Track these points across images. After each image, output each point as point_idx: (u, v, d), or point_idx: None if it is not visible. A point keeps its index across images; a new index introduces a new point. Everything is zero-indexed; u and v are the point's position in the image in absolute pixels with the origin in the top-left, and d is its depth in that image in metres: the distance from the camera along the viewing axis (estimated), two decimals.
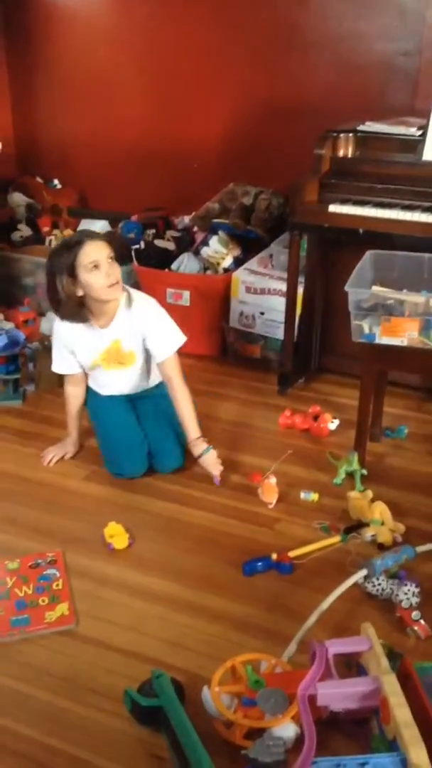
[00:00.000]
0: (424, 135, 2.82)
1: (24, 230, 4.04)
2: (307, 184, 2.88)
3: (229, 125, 3.84)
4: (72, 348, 2.56)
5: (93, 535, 2.29)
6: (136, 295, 2.55)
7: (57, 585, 2.10)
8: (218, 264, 3.55)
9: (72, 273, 2.33)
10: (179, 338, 2.54)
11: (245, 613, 2.01)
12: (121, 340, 2.52)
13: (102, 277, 2.33)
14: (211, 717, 1.65)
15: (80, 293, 2.38)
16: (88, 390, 2.71)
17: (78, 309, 2.43)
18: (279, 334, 3.25)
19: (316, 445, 2.83)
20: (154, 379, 2.70)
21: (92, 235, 2.38)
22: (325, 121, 3.07)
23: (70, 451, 2.72)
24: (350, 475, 2.55)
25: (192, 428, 2.54)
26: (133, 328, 2.50)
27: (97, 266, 2.32)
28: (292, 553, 2.19)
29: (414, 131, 2.90)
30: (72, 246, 2.33)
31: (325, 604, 1.97)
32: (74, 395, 2.70)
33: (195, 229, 3.79)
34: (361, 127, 2.99)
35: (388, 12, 3.36)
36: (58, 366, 2.65)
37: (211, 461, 2.54)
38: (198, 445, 2.53)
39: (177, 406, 2.54)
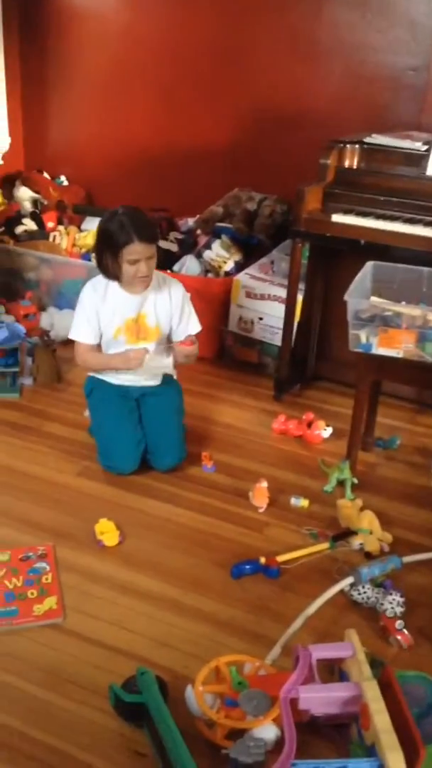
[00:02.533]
0: (429, 150, 2.85)
1: (28, 225, 4.05)
2: (311, 193, 2.91)
3: (236, 130, 3.87)
4: (98, 309, 2.57)
5: (84, 531, 2.31)
6: (169, 278, 2.69)
7: (46, 579, 2.11)
8: (220, 267, 3.57)
9: (115, 255, 2.46)
10: (199, 324, 2.71)
11: (231, 615, 2.03)
12: (147, 315, 2.61)
13: (135, 269, 2.47)
14: (194, 716, 1.67)
15: (116, 269, 2.50)
16: (95, 381, 2.72)
17: (115, 271, 2.52)
18: (276, 340, 3.27)
19: (308, 451, 2.85)
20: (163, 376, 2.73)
21: (144, 234, 2.44)
22: (331, 131, 3.11)
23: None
24: (341, 483, 2.57)
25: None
26: (163, 306, 2.61)
27: (135, 262, 2.45)
28: (280, 558, 2.21)
29: (419, 146, 2.92)
30: (124, 237, 2.41)
31: (311, 609, 1.99)
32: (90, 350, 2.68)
33: (198, 231, 3.81)
34: (366, 139, 3.01)
35: (399, 26, 3.39)
36: (78, 332, 2.62)
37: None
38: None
39: None
